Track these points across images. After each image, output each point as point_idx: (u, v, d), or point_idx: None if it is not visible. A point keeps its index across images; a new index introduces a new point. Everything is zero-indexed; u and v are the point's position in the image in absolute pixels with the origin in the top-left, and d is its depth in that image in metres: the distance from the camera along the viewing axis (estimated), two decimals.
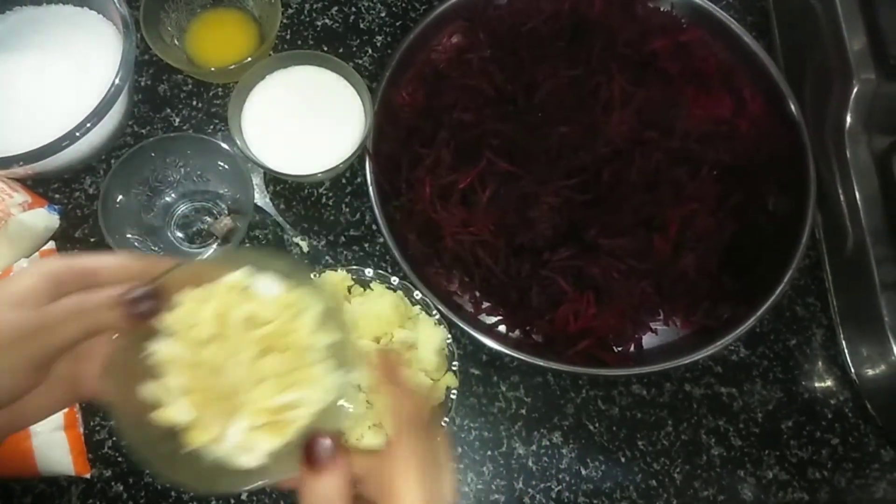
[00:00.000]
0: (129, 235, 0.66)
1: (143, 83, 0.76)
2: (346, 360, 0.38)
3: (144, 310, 0.37)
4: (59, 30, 0.70)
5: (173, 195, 0.71)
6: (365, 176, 0.68)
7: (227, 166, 0.68)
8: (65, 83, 0.68)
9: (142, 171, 0.67)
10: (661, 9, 0.76)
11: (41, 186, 0.71)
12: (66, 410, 0.60)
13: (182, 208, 0.71)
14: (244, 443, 0.38)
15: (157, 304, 0.37)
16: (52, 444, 0.62)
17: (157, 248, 0.68)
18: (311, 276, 0.40)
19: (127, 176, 0.66)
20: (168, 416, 0.38)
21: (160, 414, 0.38)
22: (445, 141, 0.69)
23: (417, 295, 0.65)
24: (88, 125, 0.62)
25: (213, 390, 0.39)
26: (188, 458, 0.38)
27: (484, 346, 0.65)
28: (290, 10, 0.79)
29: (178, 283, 0.39)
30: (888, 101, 0.69)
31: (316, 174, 0.65)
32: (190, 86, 0.76)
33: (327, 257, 0.72)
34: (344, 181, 0.74)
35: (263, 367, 0.39)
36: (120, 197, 0.66)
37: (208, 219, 0.71)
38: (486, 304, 0.69)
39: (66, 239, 0.70)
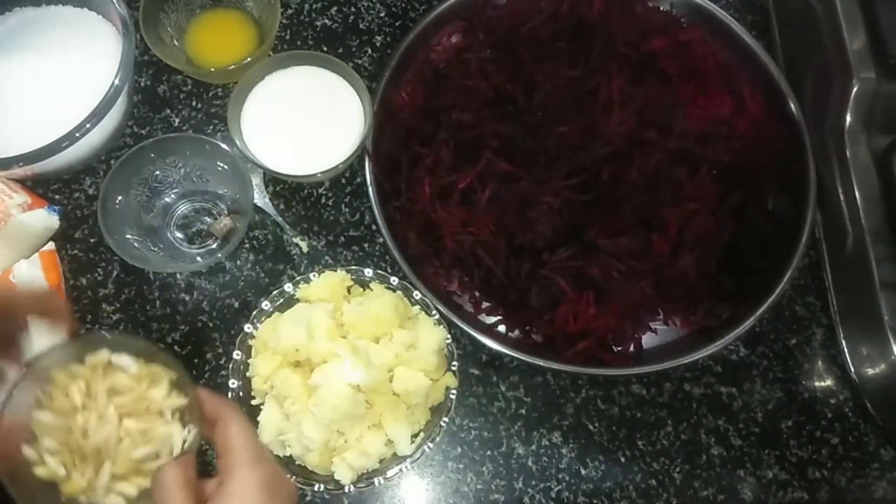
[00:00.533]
0: (128, 236, 0.66)
1: (142, 84, 0.76)
2: (193, 418, 0.47)
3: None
4: (58, 31, 0.70)
5: (173, 195, 0.71)
6: (364, 176, 0.69)
7: (226, 167, 0.68)
8: (64, 84, 0.68)
9: (141, 172, 0.67)
10: (661, 8, 0.76)
11: (41, 187, 0.71)
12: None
13: (182, 209, 0.72)
14: (111, 489, 0.50)
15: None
16: None
17: (156, 249, 0.68)
18: (160, 352, 0.50)
19: (126, 176, 0.66)
20: (43, 471, 0.49)
21: (38, 469, 0.49)
22: (445, 141, 0.69)
23: (417, 295, 0.65)
24: (88, 126, 0.62)
25: (83, 448, 0.50)
26: None
27: (483, 346, 0.65)
28: (290, 11, 0.79)
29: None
30: (888, 100, 0.69)
31: (315, 174, 0.66)
32: (189, 86, 0.76)
33: (327, 257, 0.72)
34: (343, 181, 0.74)
35: (125, 428, 0.50)
36: (119, 198, 0.66)
37: (208, 219, 0.71)
38: (485, 304, 0.69)
39: (66, 239, 0.70)
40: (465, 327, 0.64)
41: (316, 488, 0.61)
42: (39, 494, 0.48)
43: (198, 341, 0.69)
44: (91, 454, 0.50)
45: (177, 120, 0.75)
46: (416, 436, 0.62)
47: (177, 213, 0.71)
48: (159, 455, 0.51)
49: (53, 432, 0.50)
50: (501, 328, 0.69)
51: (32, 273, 0.65)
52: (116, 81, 0.64)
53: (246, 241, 0.72)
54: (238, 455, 0.45)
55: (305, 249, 0.72)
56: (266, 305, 0.65)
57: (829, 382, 0.72)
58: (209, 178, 0.70)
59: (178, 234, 0.71)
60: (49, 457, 0.49)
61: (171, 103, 0.75)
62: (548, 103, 0.70)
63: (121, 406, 0.50)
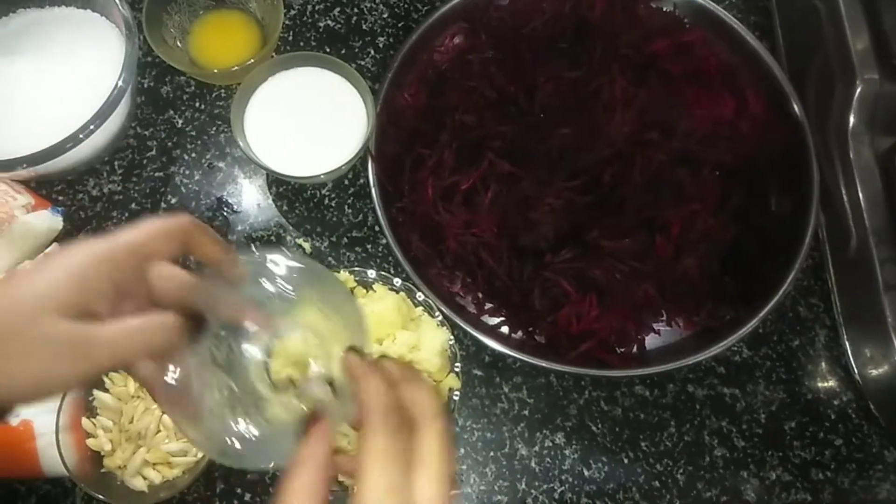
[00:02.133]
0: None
1: (145, 85, 0.76)
2: None
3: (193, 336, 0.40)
4: (62, 32, 0.70)
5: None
6: (367, 177, 0.69)
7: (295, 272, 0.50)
8: (68, 86, 0.68)
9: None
10: (664, 9, 0.76)
11: (45, 188, 0.72)
12: (71, 412, 0.61)
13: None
14: (140, 472, 0.60)
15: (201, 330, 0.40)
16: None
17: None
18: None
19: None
20: (94, 442, 0.61)
21: (89, 440, 0.61)
22: (447, 142, 0.69)
23: (420, 296, 0.65)
24: (92, 127, 0.62)
25: (129, 432, 0.60)
26: (106, 477, 0.60)
27: (486, 347, 0.65)
28: (293, 12, 0.79)
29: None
30: (891, 101, 0.69)
31: (318, 175, 0.66)
32: (193, 87, 0.76)
33: (330, 259, 0.72)
34: (346, 183, 0.74)
35: (164, 421, 0.60)
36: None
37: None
38: (488, 306, 0.69)
39: (70, 241, 0.70)
40: (468, 329, 0.64)
41: None
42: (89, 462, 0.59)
43: None
44: (133, 438, 0.61)
45: (180, 121, 0.75)
46: None
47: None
48: (188, 453, 0.60)
49: (110, 412, 0.61)
50: (504, 329, 0.68)
51: None
52: (120, 83, 0.64)
53: (249, 241, 0.72)
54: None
55: (308, 250, 0.72)
56: None
57: (832, 384, 0.72)
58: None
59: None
60: (101, 431, 0.61)
61: (174, 104, 0.76)
62: (550, 104, 0.70)
63: None
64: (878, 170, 0.69)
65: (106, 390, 0.63)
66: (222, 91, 0.76)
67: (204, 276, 0.42)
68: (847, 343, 0.71)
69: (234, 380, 0.44)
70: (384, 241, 0.70)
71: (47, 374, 0.35)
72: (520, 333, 0.68)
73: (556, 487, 0.67)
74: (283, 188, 0.74)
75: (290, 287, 0.45)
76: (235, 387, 0.44)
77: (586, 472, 0.67)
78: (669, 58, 0.73)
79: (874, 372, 0.69)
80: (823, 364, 0.72)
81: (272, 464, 0.43)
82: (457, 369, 0.64)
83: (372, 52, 0.79)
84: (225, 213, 0.72)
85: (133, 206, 0.72)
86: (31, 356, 0.35)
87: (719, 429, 0.69)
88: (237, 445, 0.42)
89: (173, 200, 0.73)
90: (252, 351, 0.44)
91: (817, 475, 0.69)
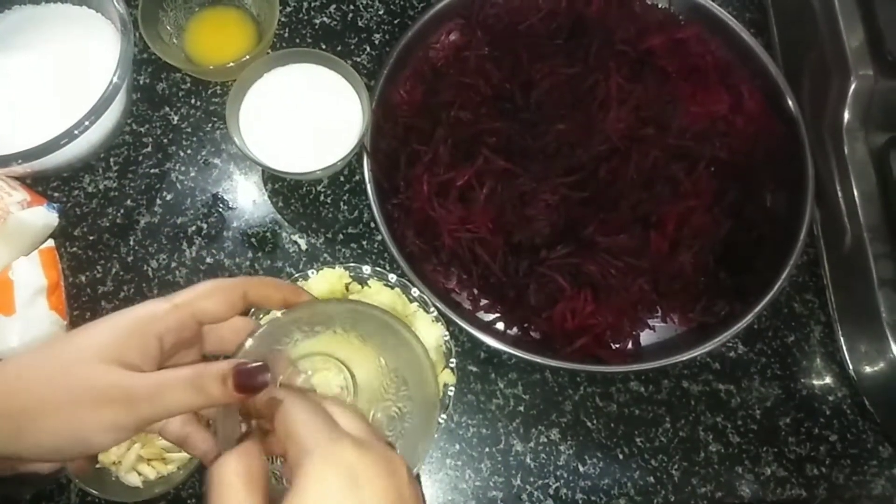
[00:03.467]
0: None
1: (141, 82, 0.76)
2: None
3: (252, 385, 0.37)
4: (57, 29, 0.70)
5: None
6: (363, 174, 0.69)
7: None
8: (63, 82, 0.68)
9: None
10: (659, 6, 0.76)
11: (40, 185, 0.72)
12: None
13: None
14: (135, 468, 0.60)
15: (264, 378, 0.37)
16: None
17: None
18: None
19: None
20: None
21: None
22: (443, 139, 0.69)
23: (415, 292, 0.65)
24: (87, 123, 0.62)
25: None
26: (100, 472, 0.60)
27: (482, 343, 0.65)
28: (289, 9, 0.79)
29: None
30: (886, 97, 0.69)
31: (314, 172, 0.66)
32: (188, 84, 0.76)
33: (325, 255, 0.72)
34: (342, 179, 0.74)
35: None
36: None
37: None
38: (484, 302, 0.69)
39: (66, 237, 0.71)
40: (464, 325, 0.64)
41: None
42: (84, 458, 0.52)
43: None
44: None
45: (176, 118, 0.75)
46: None
47: None
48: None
49: None
50: (500, 325, 0.69)
51: (32, 270, 0.65)
52: (115, 79, 0.64)
53: (244, 238, 0.72)
54: (304, 441, 0.35)
55: (304, 247, 0.72)
56: None
57: (827, 380, 0.72)
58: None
59: None
60: None
61: (169, 101, 0.76)
62: (546, 101, 0.70)
63: None
64: (873, 166, 0.69)
65: None
66: (218, 88, 0.76)
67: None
68: (842, 339, 0.71)
69: None
70: (379, 237, 0.71)
71: (88, 423, 0.35)
72: (515, 329, 0.68)
73: (551, 483, 0.67)
74: (279, 185, 0.74)
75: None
76: None
77: (581, 468, 0.68)
78: (665, 54, 0.73)
79: (869, 368, 0.69)
80: (818, 360, 0.72)
81: None
82: (452, 365, 0.64)
83: (368, 48, 0.79)
84: (220, 210, 0.73)
85: (128, 202, 0.72)
86: (70, 403, 0.34)
87: (714, 424, 0.69)
88: None
89: (168, 197, 0.73)
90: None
91: (812, 471, 0.69)
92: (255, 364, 0.37)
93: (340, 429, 0.36)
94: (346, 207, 0.73)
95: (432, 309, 0.64)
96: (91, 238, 0.71)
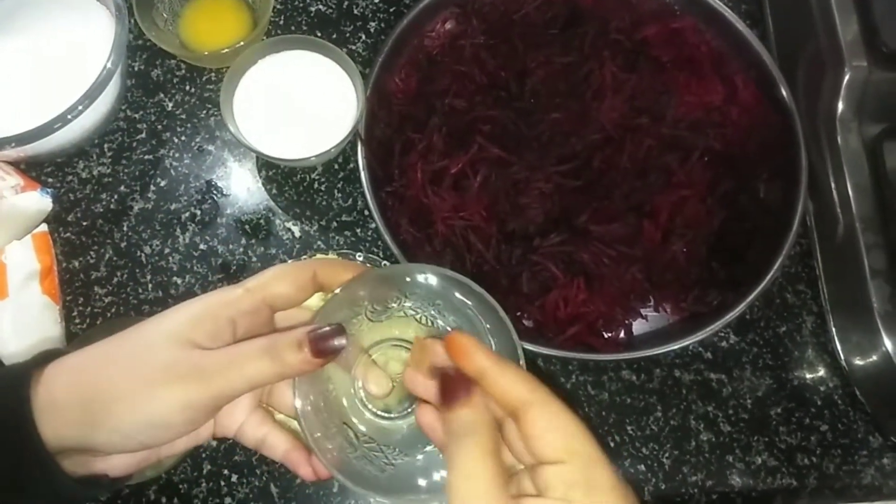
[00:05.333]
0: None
1: (136, 68, 0.76)
2: None
3: (329, 348, 0.37)
4: (52, 14, 0.70)
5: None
6: (357, 161, 0.69)
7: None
8: (57, 66, 0.68)
9: None
10: None
11: (34, 170, 0.71)
12: None
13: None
14: None
15: (341, 342, 0.38)
16: None
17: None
18: None
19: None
20: None
21: None
22: (437, 127, 0.69)
23: None
24: (80, 108, 0.62)
25: None
26: None
27: None
28: None
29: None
30: (879, 88, 0.69)
31: (308, 158, 0.66)
32: (183, 71, 0.76)
33: (319, 242, 0.72)
34: (336, 167, 0.74)
35: None
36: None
37: None
38: None
39: (59, 222, 0.71)
40: None
41: None
42: None
43: None
44: None
45: (170, 104, 0.75)
46: None
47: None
48: None
49: None
50: None
51: (25, 255, 0.65)
52: (109, 65, 0.64)
53: (238, 225, 0.72)
54: (522, 394, 0.35)
55: (298, 234, 0.72)
56: None
57: (818, 370, 0.72)
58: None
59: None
60: None
61: (164, 87, 0.76)
62: (540, 90, 0.70)
63: None
64: (866, 157, 0.69)
65: None
66: (213, 74, 0.76)
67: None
68: (834, 330, 0.72)
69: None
70: (373, 225, 0.71)
71: (162, 402, 0.35)
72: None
73: None
74: (273, 172, 0.74)
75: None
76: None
77: None
78: (660, 44, 0.73)
79: (860, 358, 0.70)
80: (810, 350, 0.73)
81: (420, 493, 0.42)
82: None
83: (363, 36, 0.79)
84: (214, 197, 0.72)
85: (122, 188, 0.72)
86: (143, 385, 0.35)
87: (705, 414, 0.70)
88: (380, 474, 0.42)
89: (162, 183, 0.73)
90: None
91: (803, 460, 0.69)
92: (329, 327, 0.37)
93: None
94: (340, 195, 0.74)
95: None
96: (84, 223, 0.71)
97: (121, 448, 0.36)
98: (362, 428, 0.44)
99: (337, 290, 0.41)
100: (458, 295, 0.43)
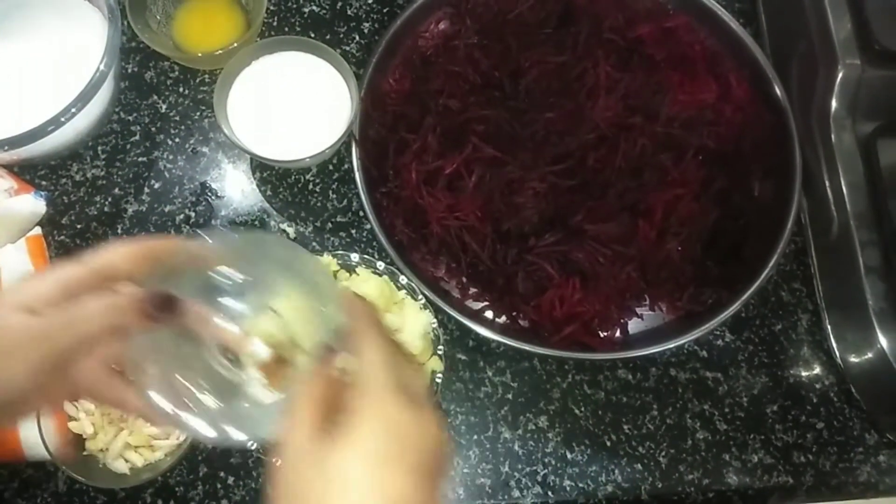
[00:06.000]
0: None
1: (129, 70, 0.76)
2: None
3: (160, 312, 0.41)
4: (45, 16, 0.70)
5: None
6: (352, 162, 0.69)
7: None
8: (51, 69, 0.68)
9: None
10: None
11: (28, 173, 0.71)
12: None
13: None
14: (122, 455, 0.60)
15: (171, 307, 0.41)
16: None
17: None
18: None
19: None
20: (76, 425, 0.60)
21: (71, 423, 0.60)
22: (432, 127, 0.69)
23: (403, 279, 0.65)
24: (73, 110, 0.62)
25: (111, 414, 0.60)
26: (88, 459, 0.60)
27: (470, 331, 0.66)
28: None
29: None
30: (873, 86, 0.70)
31: (303, 159, 0.66)
32: (177, 72, 0.76)
33: (314, 243, 0.72)
34: (331, 168, 0.74)
35: None
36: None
37: None
38: (472, 290, 0.69)
39: (53, 225, 0.70)
40: (452, 313, 0.64)
41: None
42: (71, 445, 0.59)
43: None
44: (115, 421, 0.61)
45: (164, 106, 0.75)
46: None
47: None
48: (169, 436, 0.61)
49: None
50: (488, 314, 0.69)
51: (19, 258, 0.65)
52: (102, 67, 0.64)
53: (233, 227, 0.72)
54: (366, 386, 0.36)
55: (292, 235, 0.72)
56: None
57: (814, 368, 0.72)
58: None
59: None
60: (83, 414, 0.61)
61: (158, 89, 0.75)
62: (534, 89, 0.70)
63: None
64: (860, 154, 0.69)
65: None
66: (206, 76, 0.76)
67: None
68: (829, 327, 0.72)
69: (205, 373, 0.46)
70: (368, 225, 0.70)
71: (17, 367, 0.37)
72: (503, 317, 0.69)
73: (539, 470, 0.67)
74: (267, 173, 0.74)
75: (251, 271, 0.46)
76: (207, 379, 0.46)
77: (569, 455, 0.68)
78: (653, 43, 0.73)
79: (855, 356, 0.70)
80: (805, 348, 0.73)
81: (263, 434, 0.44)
82: (440, 352, 0.64)
83: (357, 37, 0.79)
84: (208, 199, 0.72)
85: (116, 190, 0.72)
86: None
87: (701, 412, 0.70)
88: (230, 426, 0.44)
89: (156, 186, 0.72)
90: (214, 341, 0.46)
91: (799, 458, 0.69)
92: (159, 295, 0.41)
93: (413, 379, 0.38)
94: (334, 196, 0.73)
95: (420, 297, 0.64)
96: (79, 226, 0.71)
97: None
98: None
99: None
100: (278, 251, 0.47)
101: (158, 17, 0.73)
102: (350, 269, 0.66)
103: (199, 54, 0.71)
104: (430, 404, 0.38)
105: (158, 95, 0.75)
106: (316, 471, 0.34)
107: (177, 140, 0.74)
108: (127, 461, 0.61)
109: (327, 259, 0.65)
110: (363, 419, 0.35)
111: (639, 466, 0.68)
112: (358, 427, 0.35)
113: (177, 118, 0.75)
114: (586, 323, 0.67)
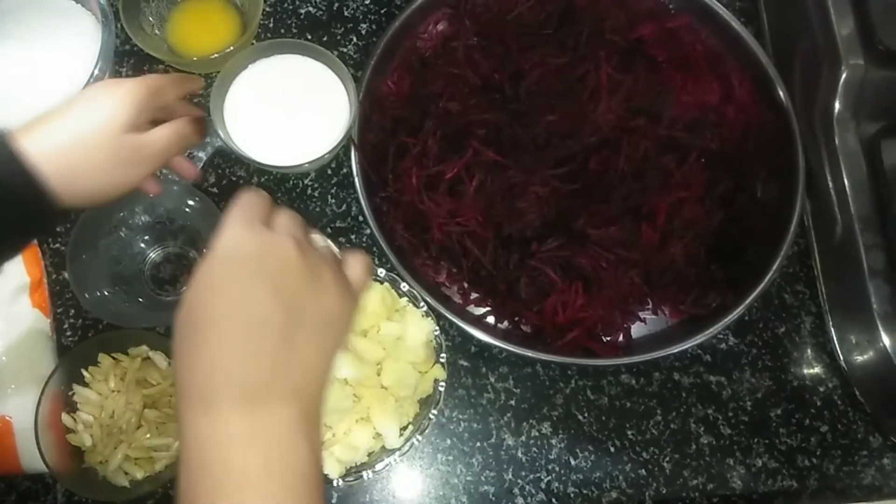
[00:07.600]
0: (105, 292, 0.65)
1: (124, 74, 0.75)
2: None
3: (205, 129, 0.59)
4: (38, 20, 0.69)
5: (142, 244, 0.70)
6: (351, 166, 0.68)
7: (196, 204, 0.67)
8: (44, 74, 0.67)
9: (109, 221, 0.66)
10: None
11: None
12: (51, 408, 0.59)
13: (153, 255, 0.70)
14: (122, 468, 0.60)
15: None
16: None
17: (130, 301, 0.66)
18: None
19: (93, 230, 0.65)
20: (75, 438, 0.60)
21: (70, 436, 0.60)
22: (432, 131, 0.68)
23: (404, 286, 0.64)
24: None
25: (110, 427, 0.60)
26: (87, 472, 0.60)
27: (472, 337, 0.65)
28: None
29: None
30: (876, 86, 0.69)
31: (301, 165, 0.65)
32: None
33: None
34: (329, 172, 0.73)
35: (145, 416, 0.61)
36: (84, 255, 0.64)
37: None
38: (474, 296, 0.68)
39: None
40: (454, 319, 0.64)
41: None
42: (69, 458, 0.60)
43: None
44: (114, 433, 0.60)
45: None
46: (404, 428, 0.62)
47: (149, 260, 0.70)
48: (170, 448, 0.61)
49: (90, 407, 0.61)
50: (490, 319, 0.68)
51: (14, 267, 0.64)
52: (96, 71, 0.63)
53: None
54: (231, 211, 0.42)
55: None
56: None
57: (818, 371, 0.72)
58: (179, 219, 0.69)
59: (151, 285, 0.69)
60: (82, 427, 0.60)
61: None
62: (535, 91, 0.69)
63: (147, 396, 0.61)
64: (864, 155, 0.69)
65: (86, 385, 0.62)
66: (202, 80, 0.75)
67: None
68: (833, 330, 0.71)
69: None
70: (368, 231, 0.70)
71: (128, 177, 0.51)
72: (506, 323, 0.68)
73: (542, 477, 0.67)
74: (265, 178, 0.73)
75: None
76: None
77: (573, 462, 0.67)
78: (655, 43, 0.72)
79: (859, 358, 0.69)
80: (809, 351, 0.72)
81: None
82: (442, 360, 0.63)
83: (354, 39, 0.78)
84: None
85: None
86: (115, 165, 0.50)
87: (705, 416, 0.69)
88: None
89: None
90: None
91: (803, 462, 0.69)
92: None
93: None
94: (333, 201, 0.73)
95: (422, 303, 0.64)
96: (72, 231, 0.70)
97: (92, 203, 0.51)
98: None
99: None
100: None
101: (152, 20, 0.72)
102: None
103: (194, 58, 0.70)
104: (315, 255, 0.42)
105: None
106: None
107: None
108: (126, 473, 0.60)
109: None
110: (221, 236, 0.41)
111: (643, 472, 0.67)
112: (217, 244, 0.40)
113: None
114: (589, 328, 0.66)
